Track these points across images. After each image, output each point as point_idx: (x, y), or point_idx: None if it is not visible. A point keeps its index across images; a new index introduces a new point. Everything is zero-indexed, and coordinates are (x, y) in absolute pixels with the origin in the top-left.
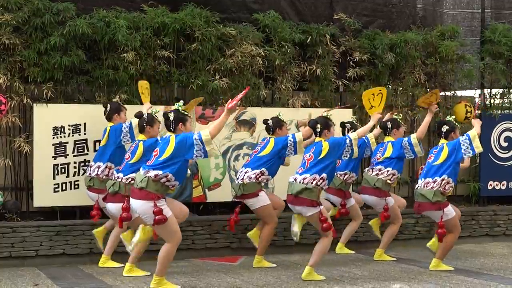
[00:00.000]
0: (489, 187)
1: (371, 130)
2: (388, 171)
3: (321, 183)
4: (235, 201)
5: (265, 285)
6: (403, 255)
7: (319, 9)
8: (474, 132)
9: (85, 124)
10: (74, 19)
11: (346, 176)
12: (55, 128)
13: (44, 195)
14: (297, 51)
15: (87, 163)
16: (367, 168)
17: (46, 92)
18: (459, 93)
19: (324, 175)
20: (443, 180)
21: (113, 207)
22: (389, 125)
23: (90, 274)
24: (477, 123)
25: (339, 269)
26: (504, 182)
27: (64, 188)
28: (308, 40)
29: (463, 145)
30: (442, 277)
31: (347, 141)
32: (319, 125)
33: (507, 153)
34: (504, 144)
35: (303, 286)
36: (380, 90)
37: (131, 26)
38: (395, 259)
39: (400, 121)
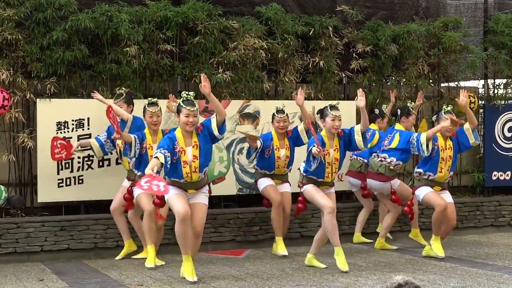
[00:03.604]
0: (494, 178)
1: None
2: (392, 160)
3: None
4: (240, 194)
5: (270, 277)
6: (408, 246)
7: (321, 1)
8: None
9: (88, 119)
10: (76, 13)
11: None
12: (58, 123)
13: (48, 190)
14: (300, 44)
15: (91, 158)
16: (373, 154)
17: (49, 87)
18: (463, 83)
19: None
20: None
21: None
22: (398, 112)
23: (95, 269)
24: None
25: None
26: (509, 172)
27: (68, 183)
28: (311, 32)
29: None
30: (446, 268)
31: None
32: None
33: (511, 143)
34: (508, 134)
35: (308, 278)
36: None
37: (133, 20)
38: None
39: (412, 109)
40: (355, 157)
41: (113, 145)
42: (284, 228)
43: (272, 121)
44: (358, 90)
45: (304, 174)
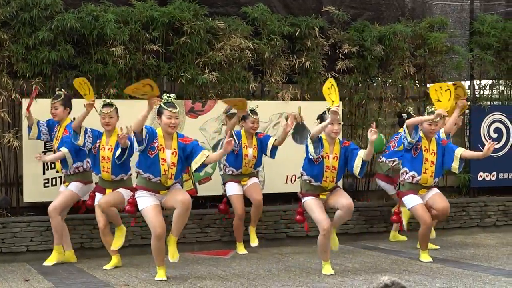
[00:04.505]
0: (479, 178)
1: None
2: None
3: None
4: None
5: (256, 278)
6: (393, 247)
7: (307, 2)
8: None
9: (74, 119)
10: (62, 13)
11: (394, 163)
12: None
13: (34, 190)
14: (286, 44)
15: None
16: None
17: (35, 87)
18: None
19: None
20: None
21: None
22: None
23: (81, 269)
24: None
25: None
26: (494, 173)
27: (54, 183)
28: (297, 33)
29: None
30: (432, 269)
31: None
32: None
33: (496, 144)
34: (494, 135)
35: (294, 279)
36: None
37: (119, 20)
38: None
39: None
40: (384, 159)
41: (50, 138)
42: (256, 215)
43: (245, 121)
44: (371, 130)
45: (304, 175)
